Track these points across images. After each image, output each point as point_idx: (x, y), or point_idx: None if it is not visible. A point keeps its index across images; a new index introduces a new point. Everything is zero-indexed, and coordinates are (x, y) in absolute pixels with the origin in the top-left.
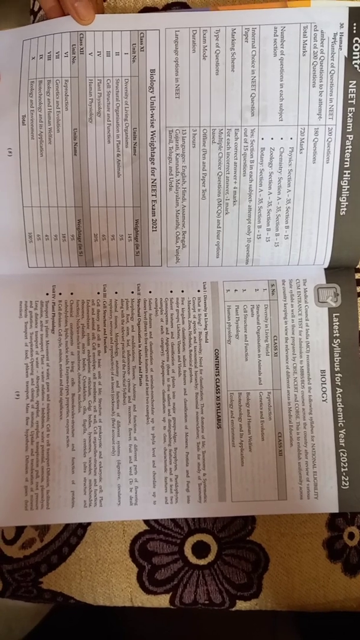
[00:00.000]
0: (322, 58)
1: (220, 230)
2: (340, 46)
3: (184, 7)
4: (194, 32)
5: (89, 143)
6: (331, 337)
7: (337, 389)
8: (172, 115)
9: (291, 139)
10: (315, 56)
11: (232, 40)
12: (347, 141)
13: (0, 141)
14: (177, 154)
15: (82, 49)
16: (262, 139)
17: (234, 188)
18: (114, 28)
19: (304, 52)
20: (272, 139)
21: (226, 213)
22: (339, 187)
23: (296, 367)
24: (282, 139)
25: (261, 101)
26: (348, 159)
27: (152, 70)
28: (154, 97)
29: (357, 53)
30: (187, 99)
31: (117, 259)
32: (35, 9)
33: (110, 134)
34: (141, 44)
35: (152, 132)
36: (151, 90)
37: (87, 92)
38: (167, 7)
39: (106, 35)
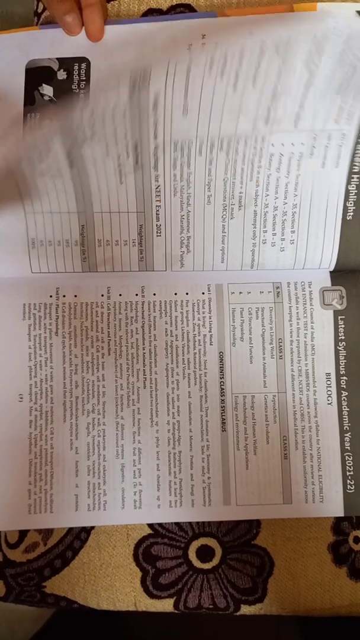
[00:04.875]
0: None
1: (225, 235)
2: None
3: (188, 8)
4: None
5: (86, 159)
6: (336, 340)
7: (343, 392)
8: (178, 130)
9: (302, 144)
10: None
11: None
12: (359, 145)
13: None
14: (182, 162)
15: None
16: (272, 145)
17: (240, 193)
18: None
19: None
20: (282, 144)
21: (231, 218)
22: (347, 192)
23: (301, 370)
24: (293, 144)
25: (279, 111)
26: (358, 164)
27: (157, 93)
28: (159, 114)
29: None
30: (195, 115)
31: (121, 264)
32: (39, 10)
33: (108, 150)
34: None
35: (155, 145)
36: (155, 109)
37: (81, 119)
38: (172, 9)
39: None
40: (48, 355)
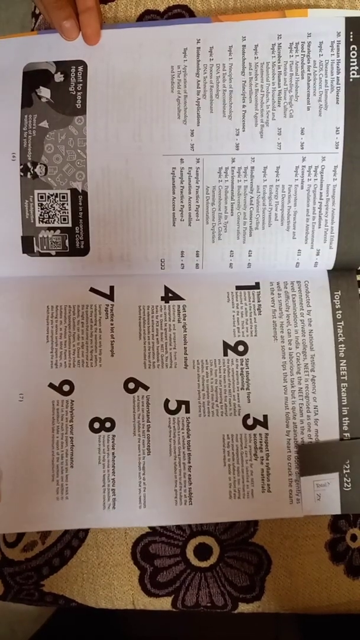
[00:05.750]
0: (321, 66)
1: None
2: (337, 54)
3: (185, 9)
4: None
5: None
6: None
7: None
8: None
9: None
10: (315, 65)
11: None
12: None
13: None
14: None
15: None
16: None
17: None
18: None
19: (305, 61)
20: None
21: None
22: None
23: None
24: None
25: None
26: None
27: None
28: None
29: (355, 60)
30: None
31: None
32: (37, 11)
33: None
34: None
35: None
36: None
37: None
38: (168, 10)
39: None
40: None
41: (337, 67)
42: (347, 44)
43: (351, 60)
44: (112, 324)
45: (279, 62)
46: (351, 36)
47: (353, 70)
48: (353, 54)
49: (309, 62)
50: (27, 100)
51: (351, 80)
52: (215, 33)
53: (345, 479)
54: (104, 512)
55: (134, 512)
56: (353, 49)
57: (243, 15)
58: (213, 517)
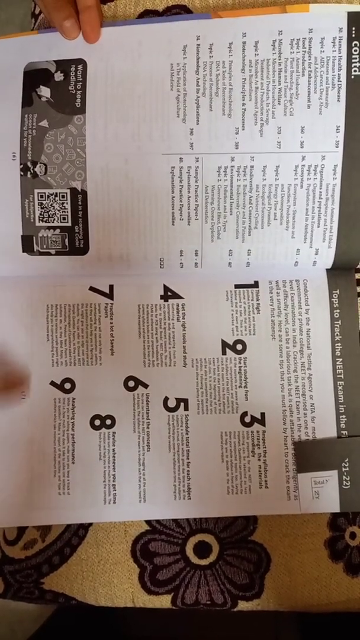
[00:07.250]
0: (322, 63)
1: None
2: (339, 50)
3: (184, 9)
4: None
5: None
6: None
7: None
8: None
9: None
10: (316, 62)
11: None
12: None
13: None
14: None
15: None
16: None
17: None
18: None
19: (305, 58)
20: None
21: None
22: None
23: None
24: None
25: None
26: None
27: None
28: None
29: (357, 56)
30: None
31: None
32: (37, 11)
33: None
34: None
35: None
36: None
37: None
38: (167, 10)
39: None
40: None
41: (339, 63)
42: (349, 40)
43: (353, 56)
44: (111, 323)
45: (279, 59)
46: (353, 32)
47: (355, 67)
48: (355, 50)
49: (309, 59)
50: (28, 99)
51: (352, 77)
52: (215, 29)
53: (344, 476)
54: (105, 506)
55: (134, 506)
56: (355, 45)
57: (243, 11)
58: (211, 512)
